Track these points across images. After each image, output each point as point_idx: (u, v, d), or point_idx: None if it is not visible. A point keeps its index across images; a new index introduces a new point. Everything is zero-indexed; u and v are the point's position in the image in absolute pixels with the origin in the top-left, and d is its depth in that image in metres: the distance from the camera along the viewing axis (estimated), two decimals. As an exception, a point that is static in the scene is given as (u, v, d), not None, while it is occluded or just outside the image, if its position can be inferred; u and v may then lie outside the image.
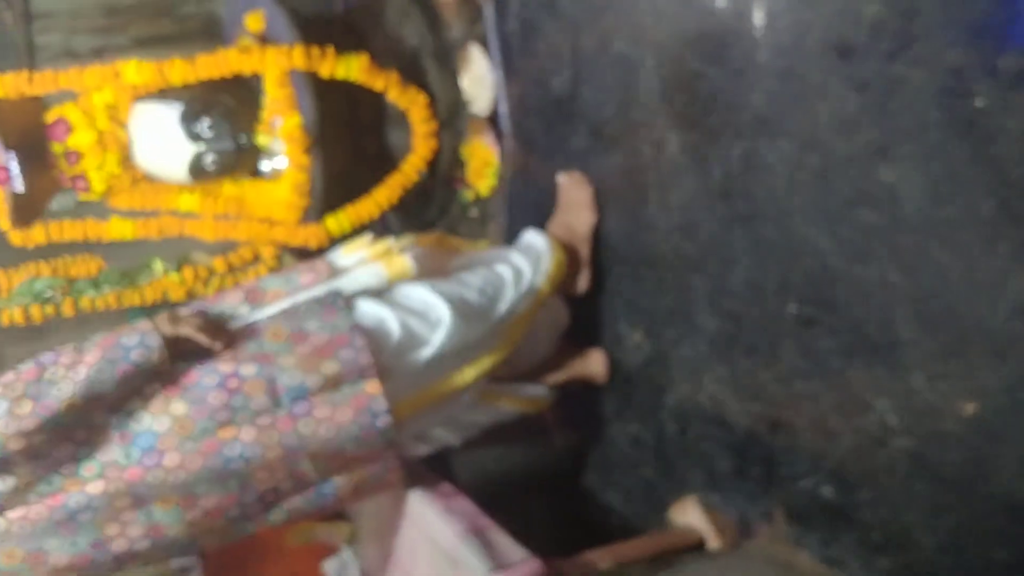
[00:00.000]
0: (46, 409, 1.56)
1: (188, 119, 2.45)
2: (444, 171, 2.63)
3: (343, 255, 1.97)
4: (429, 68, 2.56)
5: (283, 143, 2.44)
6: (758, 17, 1.65)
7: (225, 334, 1.72)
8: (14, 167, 2.44)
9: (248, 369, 1.70)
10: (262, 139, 2.52)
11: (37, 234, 2.61)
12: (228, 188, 2.64)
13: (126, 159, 2.55)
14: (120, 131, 2.51)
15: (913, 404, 1.50)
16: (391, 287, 1.90)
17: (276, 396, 1.70)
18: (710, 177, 1.82)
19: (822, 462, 1.68)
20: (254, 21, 2.50)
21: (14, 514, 1.61)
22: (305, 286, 1.85)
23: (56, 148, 2.50)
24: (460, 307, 1.87)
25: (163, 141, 2.49)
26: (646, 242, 2.02)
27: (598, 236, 2.15)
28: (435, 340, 1.84)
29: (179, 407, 1.66)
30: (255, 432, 1.69)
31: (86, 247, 2.71)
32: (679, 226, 1.92)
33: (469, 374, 1.92)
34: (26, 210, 2.56)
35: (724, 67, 1.75)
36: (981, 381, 1.40)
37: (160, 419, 1.65)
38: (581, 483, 2.36)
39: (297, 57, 2.35)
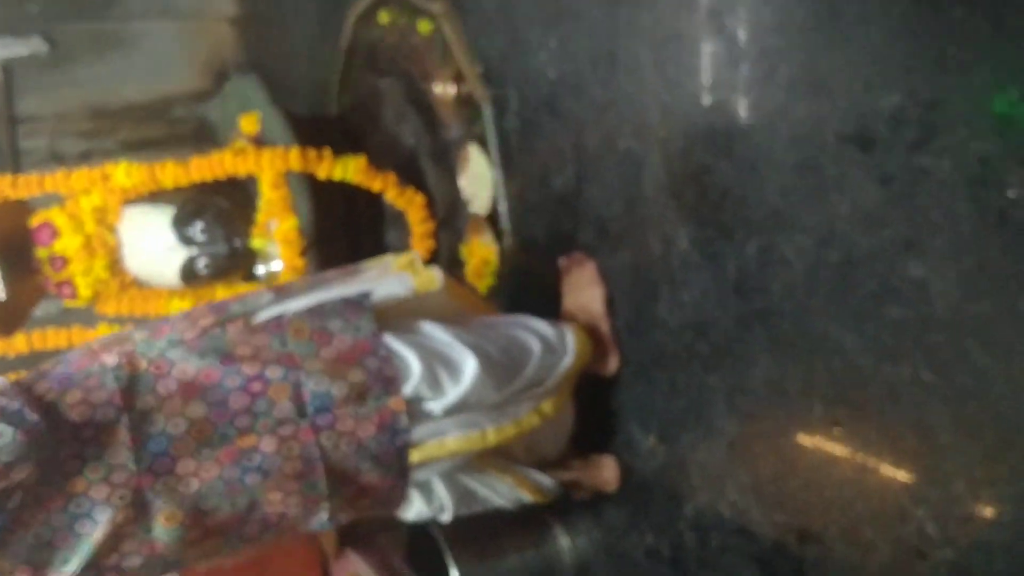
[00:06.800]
0: None
1: (180, 223, 2.41)
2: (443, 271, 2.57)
3: (366, 264, 1.88)
4: (427, 168, 2.53)
5: (279, 246, 2.39)
6: (769, 109, 1.61)
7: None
8: (-5, 274, 2.38)
9: (274, 372, 1.60)
10: (257, 242, 2.47)
11: (19, 343, 2.53)
12: (221, 293, 2.58)
13: (115, 264, 2.49)
14: (108, 235, 2.46)
15: (955, 513, 1.41)
16: (416, 326, 1.80)
17: (301, 404, 1.59)
18: (724, 273, 1.75)
19: (858, 575, 1.58)
20: (249, 123, 2.47)
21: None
22: (329, 280, 1.79)
23: (41, 253, 2.44)
24: (485, 363, 1.76)
25: (154, 245, 2.44)
26: (657, 341, 1.95)
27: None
28: (456, 390, 1.74)
29: (198, 409, 1.54)
30: (276, 443, 1.58)
31: (72, 355, 2.63)
32: (692, 324, 1.85)
33: (492, 438, 1.81)
34: (8, 318, 2.48)
35: (735, 161, 1.70)
36: (1029, 487, 1.32)
37: (175, 421, 1.53)
38: (592, 597, 2.25)
39: (293, 159, 2.31)
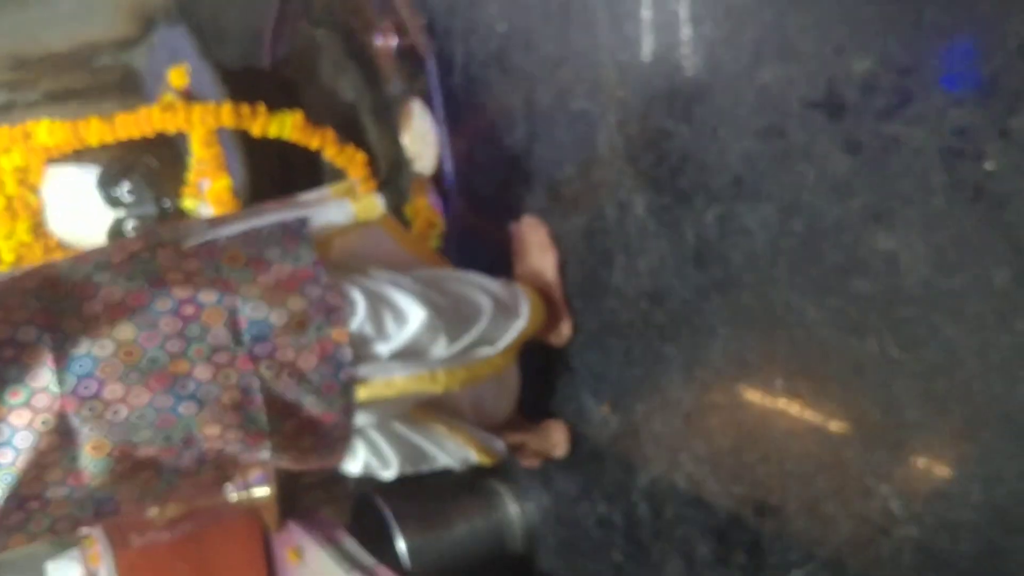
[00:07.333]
0: None
1: (106, 183, 2.29)
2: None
3: (303, 195, 1.79)
4: (367, 125, 2.43)
5: (211, 207, 2.28)
6: (733, 71, 1.54)
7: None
8: (-90, 238, 2.24)
9: (208, 296, 1.51)
10: (188, 203, 2.36)
11: (-63, 310, 2.39)
12: (151, 256, 2.46)
13: (38, 226, 2.37)
14: (31, 196, 2.33)
15: (920, 490, 1.38)
16: (363, 269, 1.71)
17: (237, 331, 1.51)
18: (682, 241, 1.69)
19: (817, 550, 1.55)
20: (177, 76, 2.34)
21: None
22: (267, 210, 1.70)
23: (-41, 216, 2.30)
24: (432, 311, 1.69)
25: (79, 207, 2.32)
26: (612, 309, 1.89)
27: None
28: (402, 335, 1.67)
29: (126, 331, 1.45)
30: (212, 371, 1.49)
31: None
32: (648, 293, 1.79)
33: (442, 379, 1.72)
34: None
35: (695, 125, 1.63)
36: (996, 467, 1.28)
37: (102, 342, 1.44)
38: (540, 568, 2.21)
39: (225, 115, 2.19)
